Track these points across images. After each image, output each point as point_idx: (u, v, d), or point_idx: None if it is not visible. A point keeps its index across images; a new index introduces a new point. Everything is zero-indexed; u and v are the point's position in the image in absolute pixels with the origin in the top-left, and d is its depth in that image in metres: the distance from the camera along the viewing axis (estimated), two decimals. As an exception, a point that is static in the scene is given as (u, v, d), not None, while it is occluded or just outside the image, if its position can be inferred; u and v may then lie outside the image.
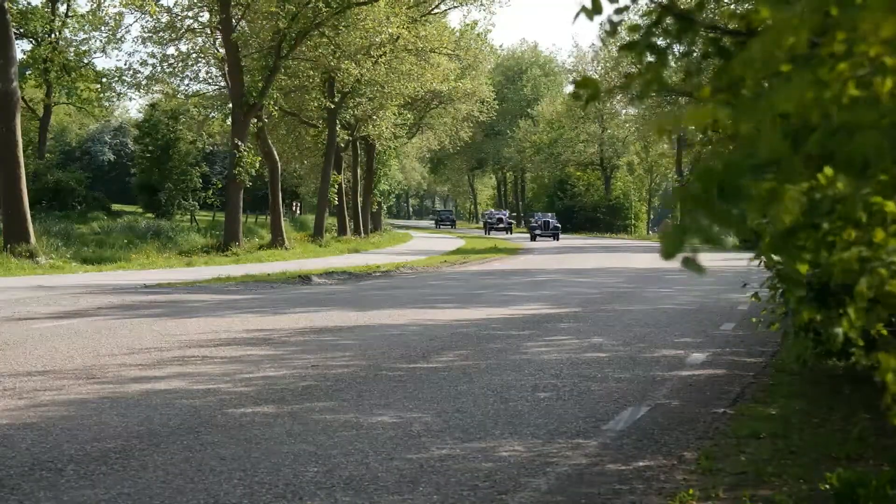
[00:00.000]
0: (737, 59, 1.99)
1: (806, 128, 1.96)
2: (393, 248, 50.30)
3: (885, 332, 3.20)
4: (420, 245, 54.74)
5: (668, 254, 2.01)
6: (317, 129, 51.68)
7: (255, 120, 40.09)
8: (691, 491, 5.58)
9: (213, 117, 50.70)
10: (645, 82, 2.30)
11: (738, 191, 1.91)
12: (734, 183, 1.90)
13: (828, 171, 2.19)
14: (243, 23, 41.98)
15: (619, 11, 2.41)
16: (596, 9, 2.40)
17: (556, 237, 68.24)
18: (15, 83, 30.18)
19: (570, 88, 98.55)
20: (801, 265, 2.70)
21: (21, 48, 52.00)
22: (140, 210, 60.85)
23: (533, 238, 67.15)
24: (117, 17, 45.57)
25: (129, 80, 46.27)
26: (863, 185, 2.14)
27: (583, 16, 2.43)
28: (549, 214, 73.33)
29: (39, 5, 53.75)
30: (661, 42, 2.38)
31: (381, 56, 45.00)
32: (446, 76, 53.84)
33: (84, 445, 6.61)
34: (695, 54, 2.55)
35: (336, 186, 52.35)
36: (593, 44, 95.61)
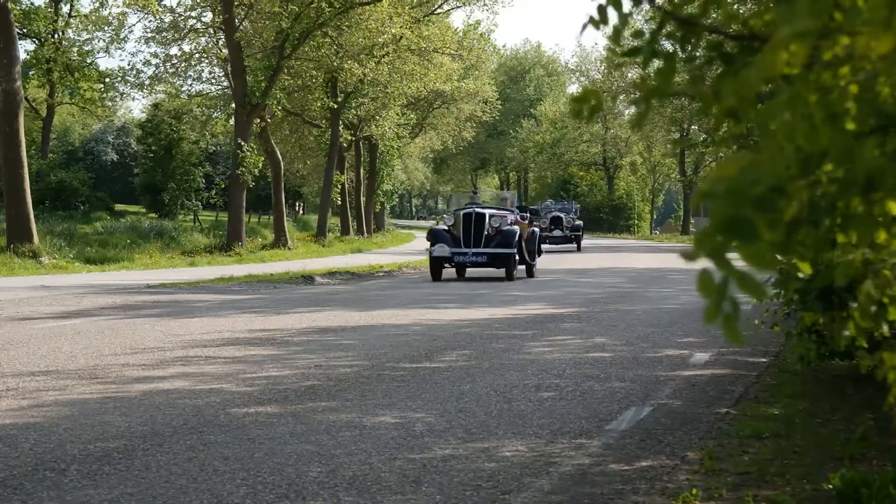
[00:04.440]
0: (737, 76, 1.99)
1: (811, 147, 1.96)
2: (396, 248, 50.30)
3: (888, 334, 3.20)
4: (423, 245, 54.70)
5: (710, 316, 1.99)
6: (320, 129, 51.71)
7: (258, 120, 40.10)
8: (694, 491, 5.58)
9: (216, 117, 50.72)
10: (653, 89, 2.30)
11: (750, 228, 1.90)
12: (744, 219, 1.90)
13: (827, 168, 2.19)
14: (246, 23, 42.00)
15: (623, 18, 2.42)
16: (603, 19, 2.40)
17: (578, 243, 44.69)
18: (18, 83, 30.20)
19: (573, 89, 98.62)
20: (804, 264, 2.70)
21: (24, 48, 52.11)
22: (143, 210, 60.94)
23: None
24: (120, 17, 45.60)
25: (133, 80, 46.34)
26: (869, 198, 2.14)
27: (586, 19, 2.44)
28: (571, 203, 50.12)
29: (42, 5, 53.80)
30: (666, 47, 2.38)
31: (383, 56, 45.00)
32: (449, 76, 53.85)
33: (87, 445, 6.62)
34: (698, 59, 2.56)
35: (339, 186, 52.36)
36: (596, 44, 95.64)
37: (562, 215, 45.90)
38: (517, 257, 24.60)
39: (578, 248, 44.78)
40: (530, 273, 26.10)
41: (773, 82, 2.05)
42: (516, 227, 24.86)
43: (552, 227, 44.94)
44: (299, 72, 44.60)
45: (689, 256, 1.93)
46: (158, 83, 45.68)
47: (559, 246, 45.57)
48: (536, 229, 26.70)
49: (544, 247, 45.06)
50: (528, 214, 27.20)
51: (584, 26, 2.46)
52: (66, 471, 5.98)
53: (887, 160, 1.93)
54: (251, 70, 40.00)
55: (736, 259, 2.00)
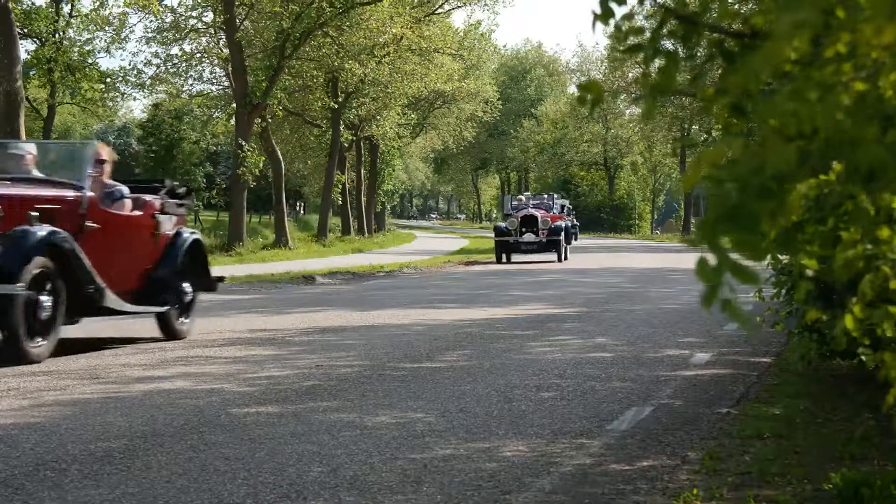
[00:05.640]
0: (740, 64, 1.99)
1: (811, 137, 1.97)
2: (397, 248, 50.31)
3: (890, 331, 3.19)
4: (424, 245, 54.73)
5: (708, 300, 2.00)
6: (320, 128, 51.76)
7: (259, 120, 40.11)
8: (695, 491, 5.57)
9: (217, 117, 50.75)
10: (655, 85, 2.30)
11: (753, 217, 1.90)
12: (748, 208, 1.90)
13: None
14: (247, 23, 42.02)
15: (627, 17, 2.42)
16: (606, 13, 2.40)
17: (559, 252, 32.98)
18: (19, 83, 30.17)
19: (574, 89, 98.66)
20: (810, 261, 2.70)
21: (25, 48, 52.03)
22: (144, 210, 60.84)
23: (503, 256, 33.23)
24: (121, 17, 45.61)
25: (133, 80, 46.42)
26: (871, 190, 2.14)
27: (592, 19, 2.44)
28: (551, 197, 38.78)
29: (43, 5, 53.79)
30: (668, 45, 2.38)
31: (384, 56, 45.03)
32: (450, 76, 53.89)
33: (88, 445, 6.61)
34: (698, 57, 2.55)
35: (340, 186, 52.38)
36: (597, 44, 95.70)
37: (537, 214, 33.59)
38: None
39: (560, 258, 33.29)
40: (170, 333, 12.57)
41: (775, 77, 2.05)
42: (35, 229, 10.12)
43: (523, 229, 33.15)
44: (300, 72, 44.62)
45: (692, 242, 1.95)
46: (159, 83, 45.78)
47: (533, 256, 34.16)
48: (188, 233, 13.25)
49: (514, 257, 33.72)
50: (167, 198, 13.04)
51: (594, 23, 2.46)
52: (67, 471, 5.97)
53: (888, 152, 1.93)
54: (252, 70, 40.02)
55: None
